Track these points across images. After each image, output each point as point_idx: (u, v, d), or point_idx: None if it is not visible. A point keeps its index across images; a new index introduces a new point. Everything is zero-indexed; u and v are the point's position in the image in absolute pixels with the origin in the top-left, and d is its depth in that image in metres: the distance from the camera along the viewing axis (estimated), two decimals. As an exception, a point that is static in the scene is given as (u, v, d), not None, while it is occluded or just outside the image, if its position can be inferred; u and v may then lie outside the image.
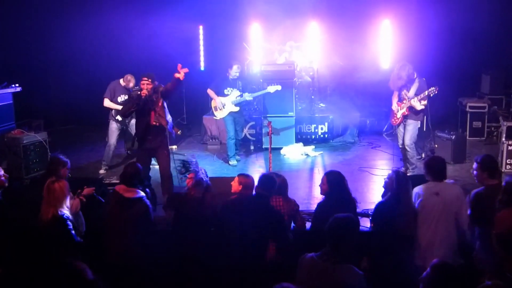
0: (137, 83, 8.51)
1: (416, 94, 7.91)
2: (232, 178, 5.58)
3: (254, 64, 11.78)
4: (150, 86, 6.88)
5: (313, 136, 10.89)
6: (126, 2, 12.00)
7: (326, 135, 10.93)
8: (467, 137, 10.21)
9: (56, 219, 4.93)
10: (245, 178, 5.42)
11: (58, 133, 11.26)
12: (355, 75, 11.79)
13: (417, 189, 5.13)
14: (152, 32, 11.81)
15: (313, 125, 10.90)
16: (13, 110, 9.46)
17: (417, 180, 5.80)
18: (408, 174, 7.93)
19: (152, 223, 5.48)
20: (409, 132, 8.08)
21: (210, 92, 9.44)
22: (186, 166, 5.68)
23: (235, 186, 5.42)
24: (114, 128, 9.07)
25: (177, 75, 6.76)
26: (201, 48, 13.17)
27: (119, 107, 8.66)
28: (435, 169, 5.11)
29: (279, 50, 11.85)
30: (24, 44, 11.86)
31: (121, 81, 9.12)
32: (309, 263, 3.91)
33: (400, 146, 8.39)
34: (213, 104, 9.47)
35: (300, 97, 11.26)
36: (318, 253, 3.92)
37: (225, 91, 9.36)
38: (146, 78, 6.88)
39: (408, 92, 7.98)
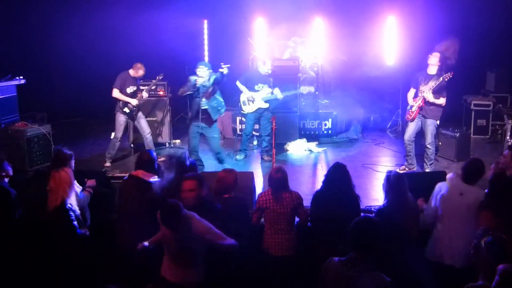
0: (147, 74, 9.23)
1: (437, 92, 7.91)
2: None
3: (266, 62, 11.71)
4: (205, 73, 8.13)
5: (316, 132, 10.85)
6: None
7: (329, 131, 10.90)
8: (471, 135, 10.17)
9: (60, 209, 4.95)
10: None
11: (61, 126, 11.25)
12: (359, 71, 11.74)
13: (442, 184, 5.07)
14: (157, 26, 11.78)
15: (317, 121, 10.85)
16: (17, 102, 9.48)
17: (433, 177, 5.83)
18: (427, 170, 8.10)
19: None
20: (430, 131, 8.14)
21: (240, 85, 9.35)
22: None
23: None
24: (121, 121, 8.98)
25: (220, 70, 8.07)
26: (206, 42, 13.14)
27: (128, 99, 8.88)
28: (468, 170, 5.04)
29: (283, 45, 11.81)
30: (28, 37, 11.85)
31: (131, 71, 9.02)
32: (334, 270, 3.68)
33: (406, 142, 8.35)
34: (242, 97, 9.34)
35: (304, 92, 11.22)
36: (343, 258, 3.67)
37: (256, 87, 9.23)
38: (202, 66, 8.23)
39: (427, 85, 7.97)
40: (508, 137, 8.64)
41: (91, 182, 5.77)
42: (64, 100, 12.62)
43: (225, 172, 5.36)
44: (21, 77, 9.40)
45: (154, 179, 5.32)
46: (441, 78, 7.78)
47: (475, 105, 10.92)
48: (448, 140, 9.21)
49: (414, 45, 11.03)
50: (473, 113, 10.91)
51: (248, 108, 9.29)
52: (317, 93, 11.33)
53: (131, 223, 5.17)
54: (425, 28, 11.02)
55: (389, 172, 5.15)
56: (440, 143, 9.39)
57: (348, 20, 11.57)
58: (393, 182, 4.99)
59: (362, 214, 5.46)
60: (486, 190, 4.84)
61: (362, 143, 10.64)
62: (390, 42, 12.00)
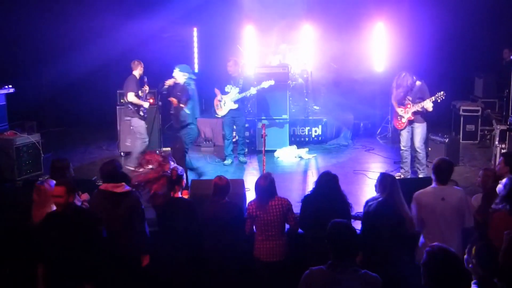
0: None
1: (421, 97, 7.95)
2: None
3: (248, 66, 11.77)
4: None
5: (307, 139, 10.89)
6: (120, 4, 11.98)
7: (320, 138, 10.94)
8: (461, 140, 10.24)
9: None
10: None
11: (50, 135, 11.20)
12: (349, 77, 11.81)
13: (421, 195, 5.03)
14: (147, 34, 11.79)
15: (307, 128, 10.90)
16: (6, 111, 9.41)
17: (424, 182, 5.83)
18: (420, 176, 8.09)
19: (143, 214, 5.41)
20: (419, 134, 8.15)
21: (216, 91, 9.64)
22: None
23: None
24: (143, 124, 8.95)
25: None
26: (195, 50, 13.17)
27: (141, 102, 8.87)
28: (441, 171, 5.03)
29: (272, 52, 11.86)
30: (17, 46, 11.80)
31: (136, 73, 8.91)
32: (319, 278, 3.62)
33: (402, 149, 8.35)
34: (215, 102, 9.62)
35: (294, 99, 11.26)
36: (324, 266, 3.67)
37: (226, 89, 9.49)
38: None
39: (411, 97, 8.01)
40: (497, 142, 8.70)
41: (85, 196, 5.72)
42: (54, 108, 12.57)
43: (219, 178, 5.41)
44: (10, 86, 9.34)
45: (125, 188, 5.26)
46: (433, 98, 7.81)
47: (464, 110, 11.00)
48: (437, 146, 9.26)
49: (403, 51, 11.11)
50: (462, 118, 10.98)
51: (220, 112, 9.57)
52: (307, 99, 11.38)
53: (116, 236, 5.12)
54: (413, 34, 11.11)
55: (382, 174, 5.20)
56: (429, 149, 9.44)
57: (337, 27, 11.63)
58: (387, 182, 5.02)
59: (352, 220, 5.54)
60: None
61: (352, 149, 10.67)
62: (379, 48, 12.06)
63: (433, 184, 5.08)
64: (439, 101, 7.85)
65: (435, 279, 3.36)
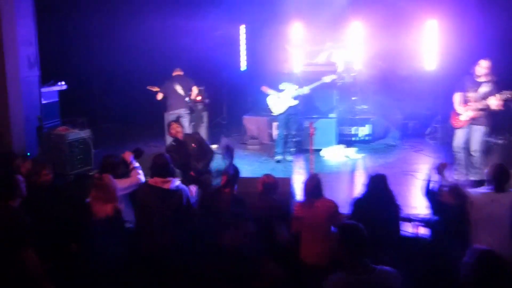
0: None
1: (485, 97, 7.59)
2: None
3: (295, 64, 11.68)
4: None
5: (353, 138, 10.74)
6: (169, 4, 12.13)
7: (367, 137, 10.77)
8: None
9: (116, 213, 4.98)
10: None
11: (100, 131, 11.44)
12: (398, 76, 11.56)
13: (473, 196, 4.92)
14: (195, 32, 11.88)
15: (354, 127, 10.75)
16: (58, 107, 9.68)
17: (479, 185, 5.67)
18: (471, 179, 7.70)
19: (193, 208, 5.50)
20: (475, 137, 7.79)
21: (265, 88, 9.46)
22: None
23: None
24: None
25: None
26: (243, 48, 13.18)
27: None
28: (500, 179, 4.89)
29: (319, 50, 11.74)
30: (70, 43, 12.12)
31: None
32: (345, 283, 3.56)
33: (455, 149, 8.02)
34: (270, 101, 9.44)
35: (341, 98, 11.11)
36: (346, 270, 3.60)
37: (280, 86, 9.33)
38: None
39: (475, 93, 7.71)
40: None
41: (127, 155, 5.84)
42: (104, 105, 12.85)
43: (267, 177, 5.47)
44: (63, 83, 9.59)
45: (173, 184, 5.30)
46: (498, 95, 7.38)
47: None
48: (491, 148, 8.89)
49: (457, 51, 10.75)
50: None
51: (277, 109, 9.37)
52: (354, 98, 11.21)
53: (157, 232, 5.13)
54: (469, 34, 10.71)
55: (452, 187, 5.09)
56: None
57: (387, 24, 11.36)
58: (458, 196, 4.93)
59: (401, 222, 5.44)
60: None
61: (400, 149, 10.45)
62: (431, 46, 11.72)
63: (487, 187, 4.92)
64: (505, 99, 7.40)
65: (481, 282, 3.25)
